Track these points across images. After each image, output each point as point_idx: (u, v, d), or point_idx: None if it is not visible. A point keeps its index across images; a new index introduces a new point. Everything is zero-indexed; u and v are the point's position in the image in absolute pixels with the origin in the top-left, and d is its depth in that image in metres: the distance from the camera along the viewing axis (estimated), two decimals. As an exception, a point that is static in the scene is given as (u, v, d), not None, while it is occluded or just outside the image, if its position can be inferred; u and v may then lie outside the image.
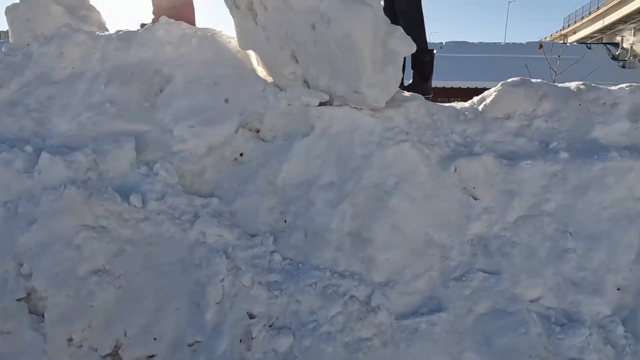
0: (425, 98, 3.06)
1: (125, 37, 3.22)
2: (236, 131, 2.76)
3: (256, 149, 2.73)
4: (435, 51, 3.69)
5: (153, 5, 3.70)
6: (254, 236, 2.47)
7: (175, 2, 3.66)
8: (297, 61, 2.72)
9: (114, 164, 2.60)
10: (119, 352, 2.16)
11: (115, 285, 2.20)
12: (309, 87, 2.75)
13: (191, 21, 3.62)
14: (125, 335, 2.13)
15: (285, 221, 2.49)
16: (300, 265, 2.33)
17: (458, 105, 3.08)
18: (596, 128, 2.65)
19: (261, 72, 3.11)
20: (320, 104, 2.64)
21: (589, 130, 2.66)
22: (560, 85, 2.95)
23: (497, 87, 2.95)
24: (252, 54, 3.17)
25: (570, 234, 2.29)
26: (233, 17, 2.97)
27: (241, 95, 2.85)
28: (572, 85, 2.92)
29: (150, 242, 2.33)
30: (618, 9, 38.11)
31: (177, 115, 2.82)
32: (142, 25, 3.57)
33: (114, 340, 2.17)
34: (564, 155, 2.47)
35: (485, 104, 2.92)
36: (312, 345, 2.07)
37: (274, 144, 2.71)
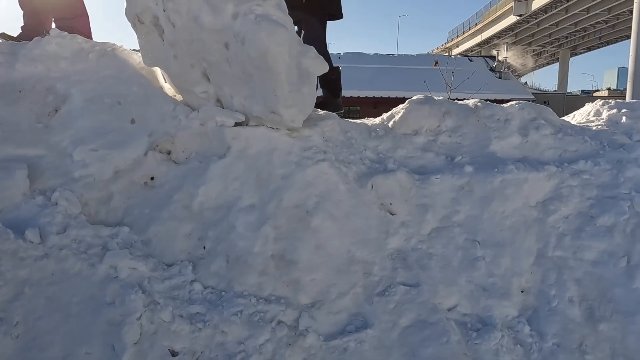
0: (337, 114, 3.13)
1: (9, 50, 2.88)
2: (145, 153, 2.59)
3: (168, 172, 2.59)
4: (340, 68, 3.79)
5: (24, 17, 3.33)
6: (170, 266, 2.33)
7: (67, 12, 3.37)
8: (209, 80, 2.63)
9: (3, 195, 2.30)
10: (20, 410, 1.91)
11: (12, 335, 1.94)
12: (222, 107, 2.68)
13: (87, 34, 3.35)
14: (27, 390, 1.89)
15: (204, 247, 2.38)
16: (223, 293, 2.24)
17: (369, 121, 3.19)
18: (493, 142, 2.89)
19: (169, 89, 2.97)
20: (236, 124, 2.57)
21: (488, 144, 2.89)
22: (459, 102, 3.17)
23: (404, 104, 3.10)
24: (158, 70, 3.01)
25: (479, 243, 2.46)
26: (136, 32, 2.80)
27: (149, 115, 2.69)
28: (470, 102, 3.16)
29: (53, 282, 2.09)
30: (493, 26, 42.27)
31: (76, 138, 2.58)
32: (2, 35, 3.22)
33: (12, 398, 1.91)
34: (469, 169, 2.65)
35: (394, 121, 3.05)
36: (242, 378, 1.99)
37: (187, 166, 2.58)
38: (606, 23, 39.47)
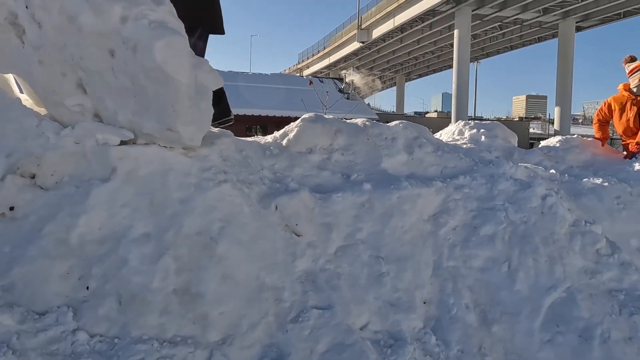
0: (227, 120, 3.01)
1: None
2: (2, 178, 2.13)
3: (34, 200, 2.15)
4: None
5: None
6: (44, 314, 1.92)
7: None
8: (85, 91, 2.27)
9: None
10: None
11: None
12: (101, 123, 2.33)
13: None
14: None
15: (87, 288, 2.01)
16: (116, 340, 1.91)
17: (261, 140, 3.08)
18: (384, 160, 3.01)
19: (27, 101, 2.50)
20: (122, 143, 2.25)
21: (379, 162, 2.99)
22: (348, 121, 3.24)
23: (297, 122, 3.06)
24: (11, 78, 2.53)
25: (383, 259, 2.51)
26: (-16, 30, 2.30)
27: (6, 131, 2.21)
28: (359, 121, 3.26)
29: None
30: (339, 50, 45.24)
31: None
32: None
33: None
34: (367, 186, 2.70)
35: (288, 139, 2.99)
36: None
37: (60, 192, 2.18)
38: (433, 54, 45.13)
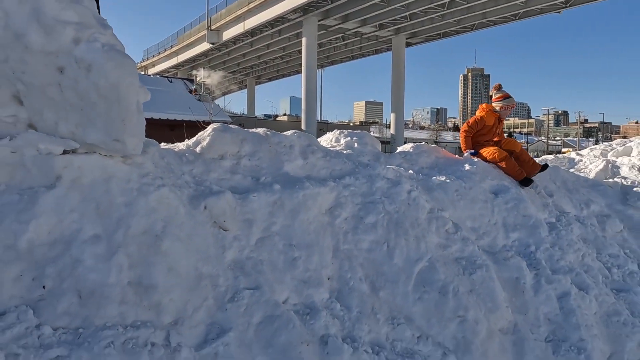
0: None
1: None
2: (-64, 188, 2.15)
3: (-27, 209, 2.21)
4: None
5: None
6: (3, 314, 2.05)
7: None
8: (21, 103, 2.38)
9: None
10: None
11: None
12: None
13: None
14: None
15: (43, 287, 2.18)
16: (81, 330, 2.13)
17: (175, 147, 3.38)
18: (285, 164, 3.54)
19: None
20: (64, 152, 2.41)
21: (281, 166, 3.52)
22: (251, 131, 3.71)
23: (208, 131, 3.43)
24: None
25: (295, 246, 3.05)
26: None
27: (-64, 141, 2.22)
28: (260, 131, 3.74)
29: None
30: (188, 50, 44.14)
31: None
32: None
33: None
34: (277, 187, 3.21)
35: (201, 147, 3.35)
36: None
37: (1, 200, 2.26)
38: (282, 59, 46.76)
